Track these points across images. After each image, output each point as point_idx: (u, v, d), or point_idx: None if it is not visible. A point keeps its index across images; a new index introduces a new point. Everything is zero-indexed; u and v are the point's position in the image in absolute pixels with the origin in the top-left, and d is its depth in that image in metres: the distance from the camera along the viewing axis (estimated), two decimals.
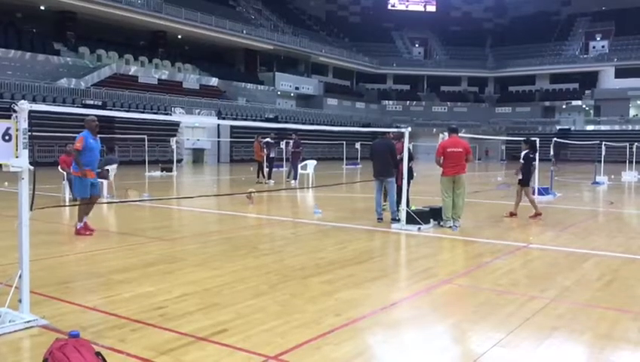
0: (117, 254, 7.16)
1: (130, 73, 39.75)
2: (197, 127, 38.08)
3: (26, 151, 4.14)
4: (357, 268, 6.35)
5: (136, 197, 13.07)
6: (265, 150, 19.63)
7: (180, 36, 46.84)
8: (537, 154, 11.76)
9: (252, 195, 13.16)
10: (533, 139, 11.91)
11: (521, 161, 11.37)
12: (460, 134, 10.02)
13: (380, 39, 71.30)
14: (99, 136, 8.82)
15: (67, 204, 12.21)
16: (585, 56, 65.31)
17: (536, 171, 11.56)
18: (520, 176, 11.15)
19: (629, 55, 59.89)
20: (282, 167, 23.16)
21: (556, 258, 7.17)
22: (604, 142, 23.90)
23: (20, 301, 4.21)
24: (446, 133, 10.06)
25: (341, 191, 16.99)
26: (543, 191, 14.84)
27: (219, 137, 38.87)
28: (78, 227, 8.32)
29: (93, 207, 8.69)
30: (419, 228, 9.04)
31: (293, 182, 19.09)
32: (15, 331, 4.02)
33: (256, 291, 5.26)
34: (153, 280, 5.71)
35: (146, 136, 27.24)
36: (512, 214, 11.03)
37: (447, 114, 64.63)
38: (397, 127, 12.41)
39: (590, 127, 58.26)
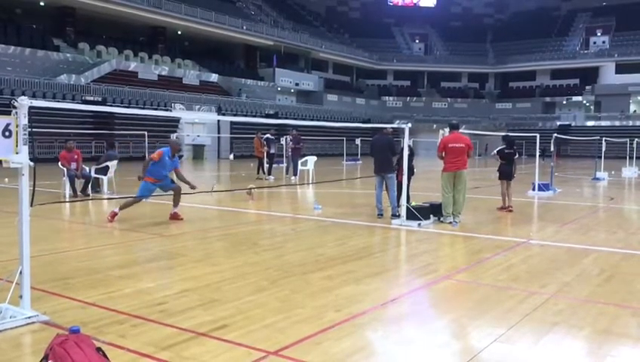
0: (117, 250, 7.16)
1: (130, 69, 39.70)
2: (197, 123, 38.07)
3: (26, 148, 4.14)
4: (357, 263, 6.36)
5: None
6: (265, 146, 19.64)
7: (179, 32, 46.77)
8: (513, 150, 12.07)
9: (252, 191, 13.16)
10: (511, 135, 12.07)
11: (497, 156, 11.68)
12: (460, 130, 10.03)
13: (380, 35, 71.21)
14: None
15: (67, 200, 12.22)
16: (585, 51, 65.22)
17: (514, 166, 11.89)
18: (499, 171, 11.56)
19: (630, 50, 59.78)
20: (282, 163, 23.12)
21: (556, 253, 7.18)
22: (604, 138, 23.90)
23: (20, 297, 4.22)
24: (446, 129, 10.07)
25: (341, 187, 17.00)
26: (543, 187, 14.86)
27: (219, 133, 38.84)
28: (115, 210, 9.28)
29: (179, 198, 9.59)
30: (419, 224, 9.05)
31: (293, 178, 19.09)
32: (16, 327, 4.03)
33: (257, 287, 5.27)
34: (153, 276, 5.72)
35: (146, 133, 27.24)
36: (508, 208, 11.07)
37: (447, 110, 64.57)
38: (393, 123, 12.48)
39: (590, 123, 58.16)
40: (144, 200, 9.97)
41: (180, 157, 9.99)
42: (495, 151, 11.82)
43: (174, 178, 10.03)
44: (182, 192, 9.64)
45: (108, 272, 5.79)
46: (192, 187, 9.61)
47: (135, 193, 9.86)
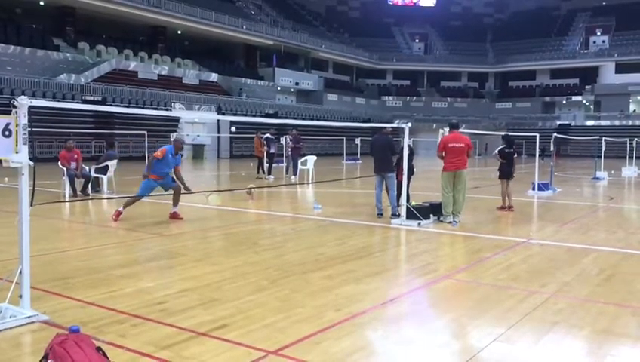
0: (117, 250, 7.16)
1: (129, 69, 39.67)
2: (197, 122, 38.05)
3: (26, 147, 4.14)
4: (357, 263, 6.36)
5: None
6: (265, 146, 19.64)
7: (179, 31, 46.74)
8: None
9: (252, 191, 13.16)
10: (511, 135, 12.10)
11: (498, 156, 11.66)
12: (460, 130, 10.03)
13: (379, 34, 71.20)
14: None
15: (67, 199, 12.22)
16: (585, 51, 65.22)
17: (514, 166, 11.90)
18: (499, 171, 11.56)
19: (630, 50, 59.76)
20: (282, 162, 23.15)
21: (556, 253, 7.18)
22: (604, 138, 23.90)
23: (20, 296, 4.22)
24: (446, 129, 10.06)
25: (341, 187, 17.00)
26: (543, 187, 14.86)
27: (219, 133, 38.83)
28: (119, 209, 9.33)
29: (179, 197, 9.63)
30: (419, 224, 9.05)
31: (293, 177, 19.09)
32: (16, 326, 4.03)
33: (257, 286, 5.27)
34: (153, 276, 5.72)
35: (146, 132, 27.21)
36: (509, 208, 11.08)
37: (447, 109, 64.55)
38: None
39: (590, 123, 58.19)
40: (144, 198, 9.98)
41: (181, 156, 10.03)
42: (497, 151, 11.82)
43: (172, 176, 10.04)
44: (182, 192, 9.65)
45: (108, 272, 5.79)
46: (187, 188, 9.64)
47: (135, 192, 9.86)
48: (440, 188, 9.68)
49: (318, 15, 70.66)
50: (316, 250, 7.13)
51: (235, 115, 40.14)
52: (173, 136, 27.33)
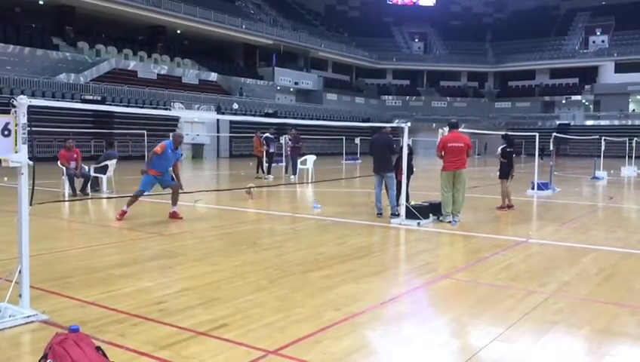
0: (117, 249, 7.16)
1: (129, 68, 39.64)
2: (196, 122, 38.03)
3: (25, 147, 4.14)
4: (356, 262, 6.36)
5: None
6: (264, 145, 19.64)
7: (179, 31, 46.71)
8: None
9: (251, 190, 13.16)
10: (511, 134, 12.08)
11: (500, 155, 11.64)
12: (459, 129, 10.03)
13: (379, 34, 71.20)
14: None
15: (66, 199, 12.22)
16: (585, 50, 65.22)
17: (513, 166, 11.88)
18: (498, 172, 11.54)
19: (629, 50, 59.76)
20: (281, 162, 23.15)
21: (555, 253, 7.18)
22: (603, 137, 23.90)
23: (20, 296, 4.22)
24: (446, 128, 10.06)
25: (340, 187, 17.00)
26: (543, 186, 14.86)
27: (218, 132, 38.82)
28: (123, 208, 9.33)
29: (177, 196, 9.62)
30: (418, 223, 9.05)
31: (292, 177, 19.09)
32: (15, 326, 4.03)
33: (256, 286, 5.27)
34: (153, 275, 5.72)
35: (145, 132, 27.21)
36: (509, 207, 11.09)
37: (446, 109, 64.54)
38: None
39: (590, 122, 58.20)
40: (144, 195, 9.97)
41: (180, 154, 10.02)
42: (499, 150, 11.80)
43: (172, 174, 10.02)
44: (180, 191, 9.64)
45: (107, 271, 5.79)
46: (180, 187, 9.64)
47: (134, 191, 9.84)
48: (439, 187, 9.68)
49: (318, 14, 70.64)
50: (316, 249, 7.13)
51: (234, 114, 40.23)
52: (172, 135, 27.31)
